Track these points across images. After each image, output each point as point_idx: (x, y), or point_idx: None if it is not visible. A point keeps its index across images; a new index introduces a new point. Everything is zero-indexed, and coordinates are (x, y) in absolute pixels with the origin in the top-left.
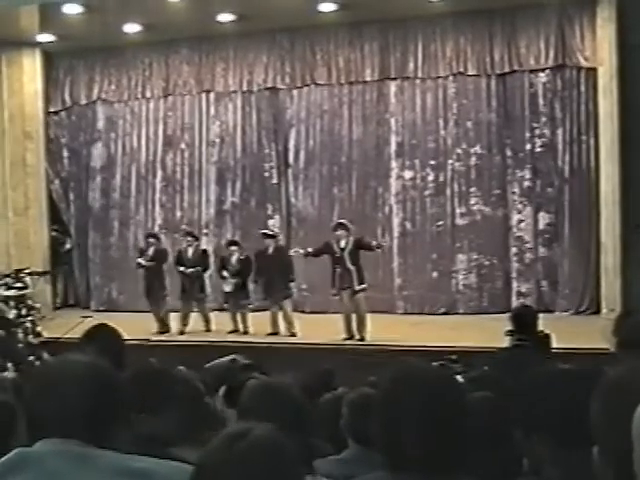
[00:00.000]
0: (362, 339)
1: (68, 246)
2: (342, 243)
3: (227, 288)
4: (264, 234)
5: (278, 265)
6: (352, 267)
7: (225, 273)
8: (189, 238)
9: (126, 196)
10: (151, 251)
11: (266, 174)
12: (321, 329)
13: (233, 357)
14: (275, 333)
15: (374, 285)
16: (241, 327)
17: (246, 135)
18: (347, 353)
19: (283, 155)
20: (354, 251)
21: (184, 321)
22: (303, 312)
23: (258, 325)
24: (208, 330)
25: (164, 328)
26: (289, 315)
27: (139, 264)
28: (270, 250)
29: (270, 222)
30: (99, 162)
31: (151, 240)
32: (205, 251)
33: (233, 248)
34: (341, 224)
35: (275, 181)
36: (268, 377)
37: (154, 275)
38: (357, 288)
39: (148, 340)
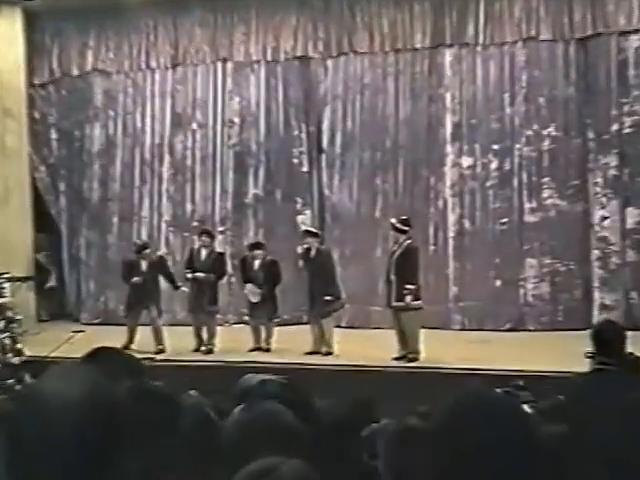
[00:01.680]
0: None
1: (51, 283)
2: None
3: (254, 299)
4: (306, 232)
5: (320, 272)
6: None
7: (250, 285)
8: (204, 237)
9: (127, 186)
10: (144, 265)
11: (295, 161)
12: (360, 347)
13: (264, 378)
14: (315, 352)
15: (422, 297)
16: (264, 344)
17: (271, 114)
18: (392, 377)
19: (315, 138)
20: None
21: (197, 338)
22: (339, 326)
23: (285, 341)
24: (209, 349)
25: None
26: (329, 332)
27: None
28: (312, 252)
29: (300, 218)
30: (95, 146)
31: (144, 252)
32: (222, 254)
33: (257, 252)
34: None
35: (306, 169)
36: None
37: (148, 288)
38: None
39: (152, 360)
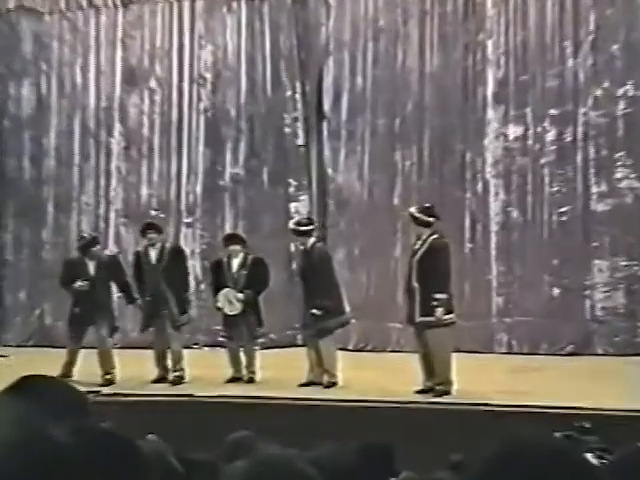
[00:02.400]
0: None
1: None
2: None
3: (230, 310)
4: (293, 230)
5: (315, 278)
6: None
7: (226, 290)
8: (151, 234)
9: (66, 164)
10: (91, 266)
11: (287, 130)
12: (373, 376)
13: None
14: (313, 383)
15: (457, 310)
16: (245, 373)
17: (255, 68)
18: (416, 416)
19: (315, 100)
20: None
21: (162, 362)
22: (344, 349)
23: (274, 369)
24: (177, 379)
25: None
26: (330, 357)
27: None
28: (306, 252)
29: (293, 206)
30: (24, 110)
31: (92, 250)
32: (179, 250)
33: (235, 247)
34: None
35: (301, 142)
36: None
37: (98, 297)
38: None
39: (98, 393)
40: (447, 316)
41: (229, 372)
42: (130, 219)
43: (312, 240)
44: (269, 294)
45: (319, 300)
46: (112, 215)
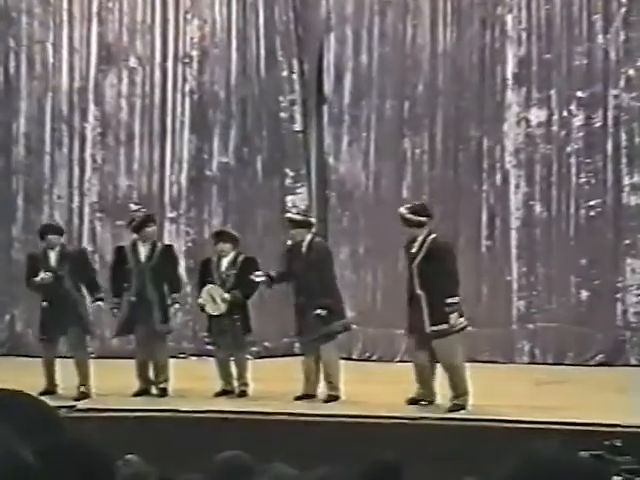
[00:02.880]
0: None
1: None
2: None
3: (213, 309)
4: (291, 220)
5: (315, 277)
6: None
7: (210, 287)
8: (147, 228)
9: (36, 153)
10: (53, 257)
11: (282, 115)
12: (378, 389)
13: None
14: (309, 396)
15: (470, 316)
16: (236, 385)
17: (247, 44)
18: (427, 433)
19: (314, 81)
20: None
21: (144, 373)
22: (348, 358)
23: (267, 381)
24: (161, 391)
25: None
26: (332, 366)
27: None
28: (303, 248)
29: (290, 199)
30: None
31: (51, 238)
32: (169, 248)
33: (224, 245)
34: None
35: (299, 127)
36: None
37: (65, 295)
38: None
39: (72, 408)
40: (460, 320)
41: (218, 384)
42: (107, 213)
43: (309, 235)
44: (263, 298)
45: (322, 300)
46: (86, 209)
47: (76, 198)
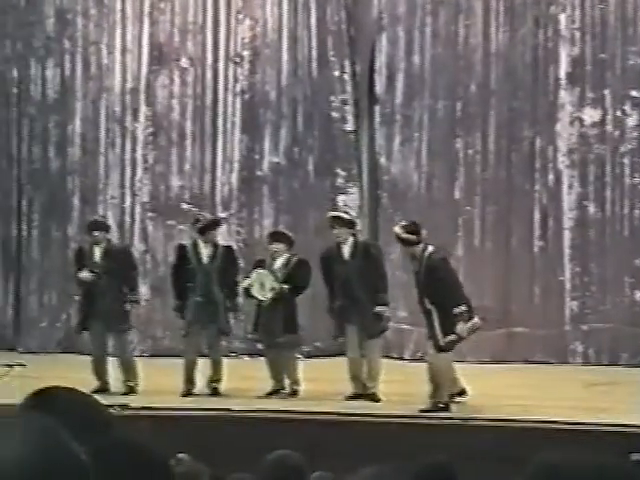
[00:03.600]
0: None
1: None
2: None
3: (258, 293)
4: (337, 218)
5: (361, 277)
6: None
7: (262, 271)
8: (211, 231)
9: (91, 153)
10: (98, 253)
11: (334, 115)
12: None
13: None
14: (358, 396)
15: (522, 317)
16: (287, 384)
17: (299, 44)
18: (476, 433)
19: (366, 81)
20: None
21: (192, 373)
22: (401, 358)
23: (317, 380)
24: (214, 390)
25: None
26: (375, 366)
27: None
28: (346, 250)
29: (341, 199)
30: (49, 93)
31: (96, 234)
32: (230, 250)
33: (278, 245)
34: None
35: (350, 127)
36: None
37: (106, 291)
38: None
39: (125, 406)
40: (471, 323)
41: (269, 384)
42: (158, 213)
43: (352, 236)
44: (315, 299)
45: (382, 296)
46: (137, 209)
47: (128, 198)
